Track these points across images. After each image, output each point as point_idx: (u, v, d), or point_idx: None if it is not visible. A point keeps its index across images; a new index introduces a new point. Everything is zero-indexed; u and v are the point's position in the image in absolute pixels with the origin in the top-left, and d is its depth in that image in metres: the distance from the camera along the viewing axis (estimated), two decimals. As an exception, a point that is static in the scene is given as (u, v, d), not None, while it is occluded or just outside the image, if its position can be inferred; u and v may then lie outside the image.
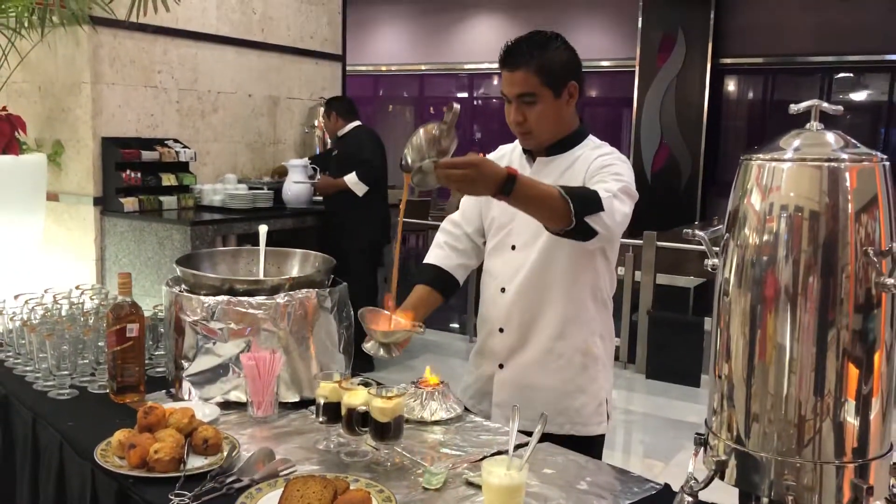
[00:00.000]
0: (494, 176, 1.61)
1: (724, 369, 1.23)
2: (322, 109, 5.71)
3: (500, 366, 2.06)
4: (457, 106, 1.62)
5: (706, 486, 1.23)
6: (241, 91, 5.71)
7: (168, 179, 5.01)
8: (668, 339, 5.43)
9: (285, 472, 1.55)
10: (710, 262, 1.26)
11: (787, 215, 1.14)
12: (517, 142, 2.07)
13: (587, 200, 1.71)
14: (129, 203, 4.78)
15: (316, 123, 5.99)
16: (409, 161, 1.63)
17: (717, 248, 1.26)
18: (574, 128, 1.99)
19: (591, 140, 2.02)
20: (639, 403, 5.05)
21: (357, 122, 5.41)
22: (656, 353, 5.47)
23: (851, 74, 9.78)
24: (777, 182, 1.15)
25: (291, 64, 6.07)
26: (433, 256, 2.15)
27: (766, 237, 1.16)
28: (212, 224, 4.66)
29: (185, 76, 5.30)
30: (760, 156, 1.18)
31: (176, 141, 5.17)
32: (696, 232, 1.27)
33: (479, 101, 13.30)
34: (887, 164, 1.14)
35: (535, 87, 1.88)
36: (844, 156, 1.12)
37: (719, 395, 1.24)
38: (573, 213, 1.67)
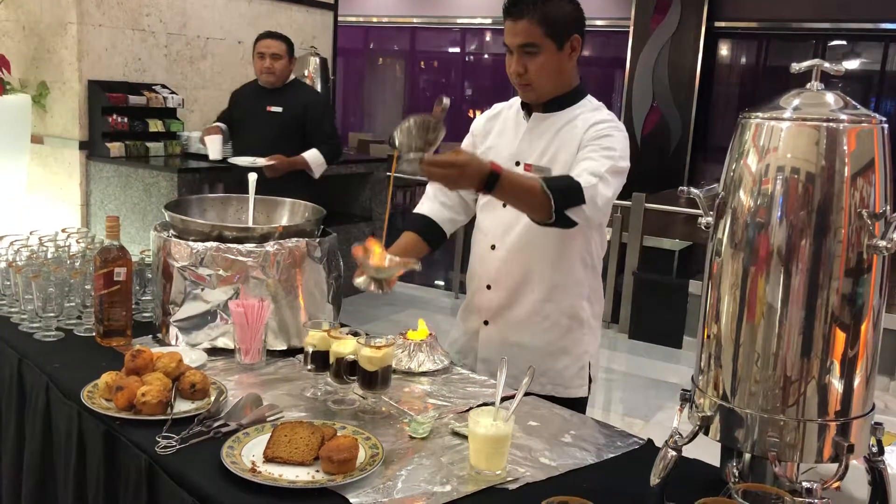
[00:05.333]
0: (478, 174, 1.66)
1: (712, 328, 1.23)
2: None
3: (486, 322, 2.06)
4: (446, 100, 1.64)
5: (690, 440, 1.24)
6: (230, 38, 5.62)
7: (155, 125, 4.95)
8: (652, 301, 5.47)
9: (273, 418, 1.56)
10: (703, 220, 1.26)
11: (783, 177, 1.13)
12: (514, 99, 2.05)
13: (568, 193, 1.74)
14: (115, 148, 4.72)
15: (306, 73, 5.90)
16: (397, 145, 1.65)
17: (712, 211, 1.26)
18: (574, 85, 1.98)
19: (590, 101, 2.00)
20: (621, 363, 5.11)
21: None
22: (640, 313, 5.52)
23: (845, 42, 9.73)
24: (774, 142, 1.15)
25: (282, 11, 5.97)
26: (423, 207, 2.15)
27: (760, 198, 1.15)
28: (199, 172, 4.61)
29: (173, 20, 5.20)
30: (759, 114, 1.17)
31: (163, 86, 5.10)
32: (691, 189, 1.26)
33: (471, 57, 13.16)
34: (886, 126, 1.13)
35: (538, 38, 1.86)
36: (843, 116, 1.12)
37: (707, 354, 1.24)
38: (553, 209, 1.72)
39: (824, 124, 1.11)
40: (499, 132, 2.05)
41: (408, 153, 1.63)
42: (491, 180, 1.66)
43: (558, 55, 1.89)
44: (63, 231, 2.41)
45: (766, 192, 1.15)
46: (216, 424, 1.50)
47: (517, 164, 1.97)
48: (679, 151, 10.76)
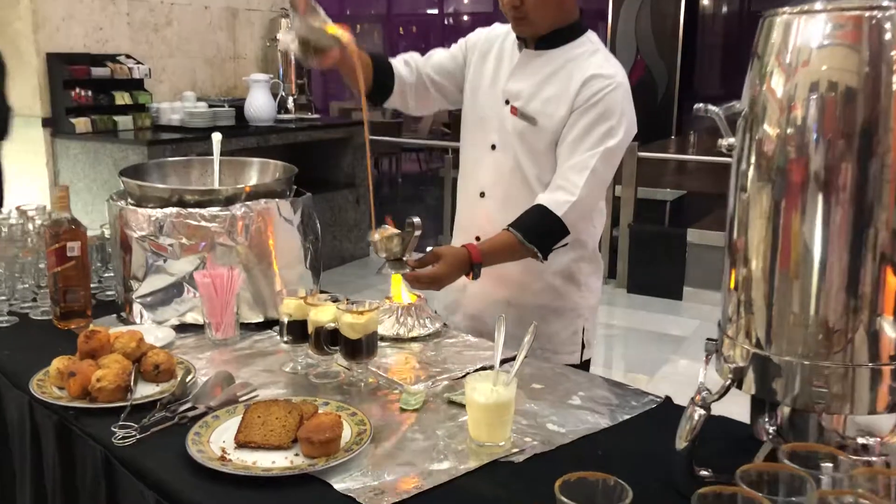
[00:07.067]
0: (459, 272, 1.68)
1: (741, 271, 1.07)
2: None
3: (474, 276, 1.89)
4: (417, 220, 1.62)
5: (721, 396, 1.08)
6: (196, 2, 5.37)
7: (122, 98, 4.74)
8: (649, 253, 5.32)
9: (246, 398, 1.39)
10: (725, 141, 1.09)
11: (817, 94, 0.96)
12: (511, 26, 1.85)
13: (550, 235, 1.72)
14: (81, 124, 4.51)
15: (278, 36, 5.66)
16: (378, 250, 1.66)
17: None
18: (573, 19, 1.79)
19: (589, 38, 1.81)
20: (620, 318, 4.96)
21: None
22: (637, 267, 5.37)
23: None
24: (805, 52, 0.97)
25: (249, -27, 5.72)
26: (393, 59, 1.93)
27: (791, 121, 0.98)
28: (170, 143, 4.41)
29: (134, -14, 4.95)
30: (787, 9, 0.99)
31: (129, 57, 4.86)
32: (709, 107, 1.09)
33: (451, 20, 12.86)
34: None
35: None
36: (887, 2, 0.94)
37: (735, 300, 1.08)
38: (541, 257, 1.73)
39: (866, 13, 0.94)
40: (496, 60, 1.85)
41: (389, 258, 1.66)
42: (475, 270, 1.69)
43: None
44: (17, 209, 2.22)
45: (795, 116, 0.98)
46: (182, 408, 1.34)
47: (506, 102, 1.79)
48: (666, 103, 10.60)
